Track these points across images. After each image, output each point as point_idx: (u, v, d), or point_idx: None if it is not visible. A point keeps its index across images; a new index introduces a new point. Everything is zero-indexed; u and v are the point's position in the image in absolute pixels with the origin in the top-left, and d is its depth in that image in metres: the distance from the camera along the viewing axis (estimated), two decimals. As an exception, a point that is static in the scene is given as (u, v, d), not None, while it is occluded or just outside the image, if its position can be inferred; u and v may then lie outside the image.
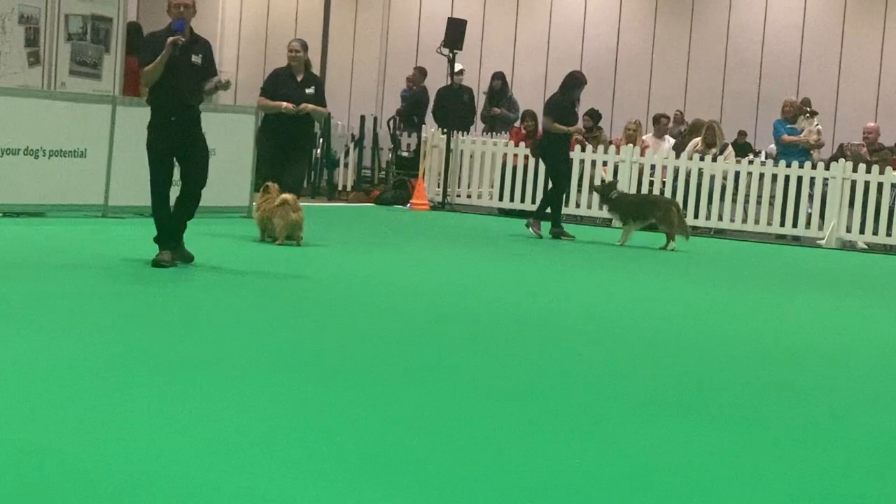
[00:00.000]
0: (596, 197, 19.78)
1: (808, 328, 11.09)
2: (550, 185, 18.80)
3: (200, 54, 11.81)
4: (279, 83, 15.35)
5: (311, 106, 15.25)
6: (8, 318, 8.57)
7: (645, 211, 17.79)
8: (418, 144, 24.16)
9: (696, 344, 9.63)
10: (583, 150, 21.73)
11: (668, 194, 20.93)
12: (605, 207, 18.64)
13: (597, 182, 19.97)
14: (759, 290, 13.67)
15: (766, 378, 8.35)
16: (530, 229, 18.19)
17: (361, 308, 10.25)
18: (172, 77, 11.60)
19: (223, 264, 12.22)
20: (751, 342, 9.82)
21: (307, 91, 15.32)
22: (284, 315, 9.64)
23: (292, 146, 15.25)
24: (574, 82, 18.39)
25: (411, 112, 25.92)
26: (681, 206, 19.30)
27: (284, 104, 15.11)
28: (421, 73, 26.98)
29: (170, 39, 11.52)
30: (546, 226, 18.20)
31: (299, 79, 15.37)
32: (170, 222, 11.74)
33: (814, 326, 11.26)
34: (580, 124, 20.74)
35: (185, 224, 11.90)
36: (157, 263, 11.56)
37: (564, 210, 19.13)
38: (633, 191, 20.55)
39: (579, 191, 21.55)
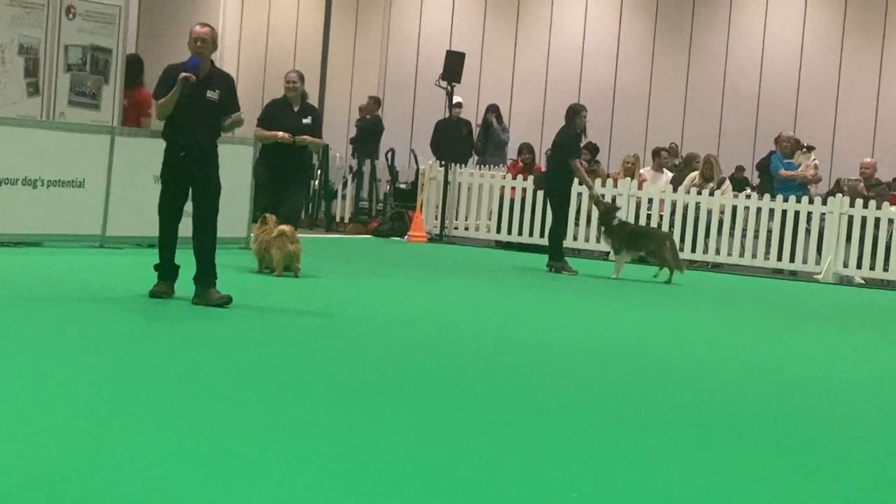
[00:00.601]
0: (592, 225, 19.78)
1: (806, 362, 11.08)
2: (553, 220, 18.72)
3: (218, 90, 11.60)
4: (276, 113, 15.41)
5: (307, 137, 15.29)
6: (13, 349, 8.56)
7: (638, 243, 17.80)
8: (416, 177, 24.18)
9: (692, 376, 9.62)
10: (580, 183, 21.74)
11: (665, 228, 20.95)
12: (601, 230, 18.51)
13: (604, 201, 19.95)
14: (755, 324, 13.66)
15: (762, 410, 8.34)
16: (563, 272, 17.99)
17: (359, 339, 10.24)
18: (184, 113, 11.45)
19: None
20: (747, 375, 9.82)
21: (304, 121, 15.37)
22: (282, 345, 9.63)
23: (289, 177, 15.27)
24: (572, 111, 18.42)
25: (364, 141, 26.01)
26: (676, 240, 19.32)
27: (280, 133, 15.16)
28: (375, 102, 27.06)
29: (181, 75, 11.39)
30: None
31: (296, 109, 15.42)
32: (172, 256, 11.64)
33: (811, 360, 11.25)
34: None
35: (212, 265, 11.52)
36: (154, 294, 11.52)
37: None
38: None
39: (577, 224, 21.50)
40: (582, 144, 19.18)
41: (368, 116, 26.84)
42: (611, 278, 17.47)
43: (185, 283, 11.58)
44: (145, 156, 16.65)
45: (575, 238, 21.52)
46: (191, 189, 11.62)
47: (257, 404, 7.25)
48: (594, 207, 18.88)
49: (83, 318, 10.33)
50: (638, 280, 17.45)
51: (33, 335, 9.27)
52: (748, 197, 21.23)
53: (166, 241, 11.66)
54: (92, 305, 11.07)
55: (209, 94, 11.55)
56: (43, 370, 7.83)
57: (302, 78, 15.69)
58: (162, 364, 8.40)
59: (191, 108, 11.45)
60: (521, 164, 23.09)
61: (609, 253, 19.46)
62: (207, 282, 11.48)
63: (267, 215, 14.75)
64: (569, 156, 18.19)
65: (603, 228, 18.20)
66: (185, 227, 11.66)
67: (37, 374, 7.70)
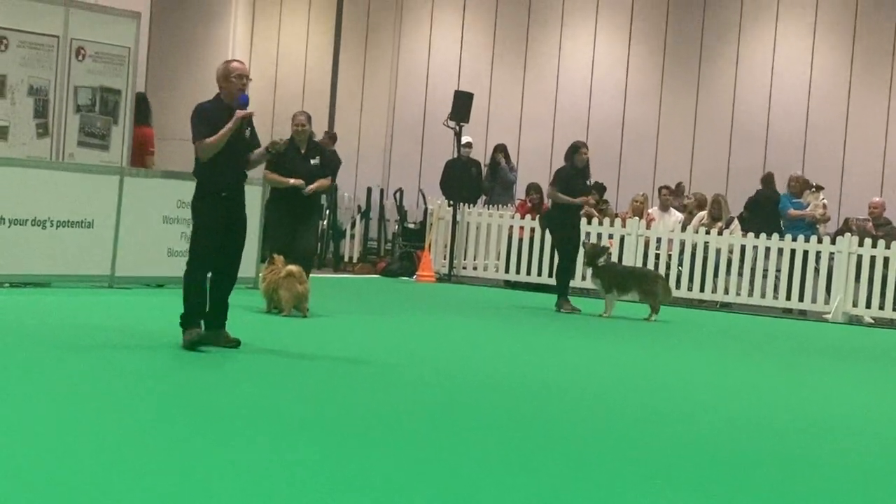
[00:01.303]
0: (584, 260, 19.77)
1: (814, 402, 11.05)
2: (558, 258, 18.74)
3: (248, 127, 11.45)
4: (284, 156, 15.38)
5: (315, 185, 15.25)
6: (26, 393, 8.56)
7: (630, 283, 17.79)
8: (425, 216, 24.20)
9: (700, 417, 9.59)
10: (588, 222, 21.77)
11: (673, 267, 20.94)
12: (590, 272, 18.39)
13: (592, 243, 19.92)
14: (764, 363, 13.63)
15: (772, 451, 8.31)
16: (563, 311, 17.98)
17: (367, 380, 10.22)
18: (227, 151, 11.14)
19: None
20: (757, 416, 9.79)
21: (312, 162, 15.38)
22: (290, 386, 9.62)
23: (301, 218, 15.28)
24: (571, 149, 18.38)
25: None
26: (685, 281, 19.32)
27: (292, 180, 15.14)
28: (331, 138, 26.80)
29: (241, 113, 11.12)
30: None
31: (303, 151, 15.41)
32: (204, 301, 11.25)
33: (819, 400, 11.22)
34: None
35: (227, 306, 11.41)
36: (192, 345, 11.00)
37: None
38: (640, 264, 20.55)
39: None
40: (590, 182, 19.08)
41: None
42: (601, 316, 17.41)
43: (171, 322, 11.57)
44: (154, 196, 16.72)
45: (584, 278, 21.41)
46: (226, 232, 11.24)
47: (268, 447, 7.23)
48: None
49: (96, 360, 10.32)
50: (636, 319, 17.41)
51: (46, 378, 9.26)
52: (757, 236, 21.20)
53: (201, 286, 11.25)
54: (104, 348, 11.06)
55: (245, 132, 11.39)
56: (56, 415, 7.82)
57: (310, 119, 15.70)
58: (174, 407, 8.39)
59: (233, 146, 11.19)
60: (528, 203, 23.10)
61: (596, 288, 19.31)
62: (221, 323, 11.37)
63: (275, 256, 14.77)
64: (551, 185, 18.29)
65: (591, 271, 18.15)
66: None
67: (53, 419, 7.69)
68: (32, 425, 7.40)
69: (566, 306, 17.97)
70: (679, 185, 27.27)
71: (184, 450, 7.03)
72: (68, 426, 7.45)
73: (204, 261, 11.23)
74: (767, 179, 23.23)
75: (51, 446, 6.85)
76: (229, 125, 11.09)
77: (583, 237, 19.45)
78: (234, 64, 11.50)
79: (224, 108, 11.26)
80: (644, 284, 17.80)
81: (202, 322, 11.23)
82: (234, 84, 11.24)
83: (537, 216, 21.89)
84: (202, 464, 6.70)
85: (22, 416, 7.67)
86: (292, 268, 14.30)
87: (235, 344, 11.28)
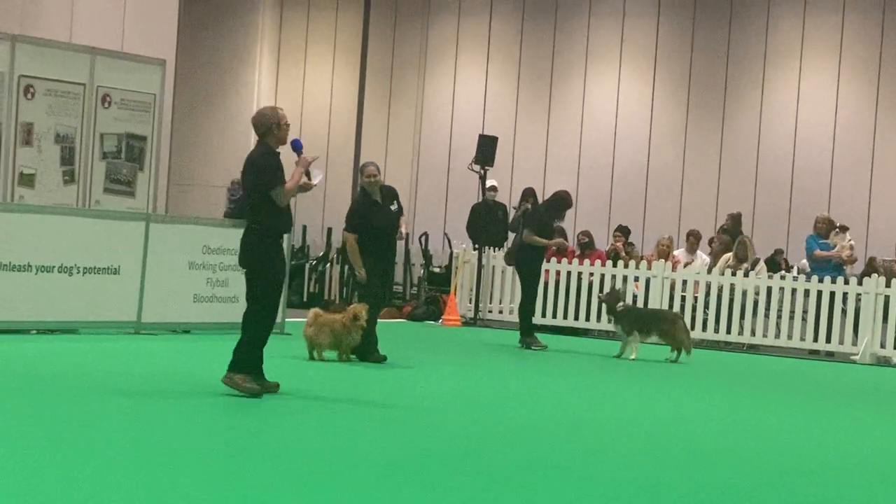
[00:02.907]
0: (599, 307, 19.87)
1: (842, 445, 10.99)
2: (522, 296, 18.96)
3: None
4: (368, 214, 15.07)
5: (403, 228, 15.47)
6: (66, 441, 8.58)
7: (650, 325, 17.84)
8: (450, 260, 24.20)
9: (726, 460, 9.55)
10: (614, 265, 21.75)
11: (700, 309, 20.89)
12: (611, 319, 18.50)
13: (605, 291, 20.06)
14: (791, 406, 13.57)
15: (797, 494, 8.27)
16: (532, 348, 18.13)
17: (394, 425, 10.23)
18: None
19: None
20: (783, 459, 9.74)
21: (392, 209, 15.22)
22: (321, 432, 9.63)
23: (389, 263, 15.61)
24: (562, 204, 18.79)
25: (240, 215, 25.70)
26: (711, 322, 19.28)
27: (360, 274, 15.02)
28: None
29: (309, 158, 11.50)
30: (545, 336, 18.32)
31: (380, 200, 15.18)
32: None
33: (846, 443, 11.16)
34: (614, 242, 20.78)
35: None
36: (257, 394, 11.14)
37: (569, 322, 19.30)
38: (666, 306, 20.50)
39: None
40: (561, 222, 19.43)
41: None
42: (629, 359, 17.40)
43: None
44: (180, 242, 16.78)
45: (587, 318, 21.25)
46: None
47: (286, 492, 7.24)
48: (627, 294, 19.01)
49: (131, 409, 10.34)
50: (660, 361, 17.37)
51: (82, 426, 9.28)
52: (782, 278, 21.14)
53: (268, 333, 11.51)
54: (139, 396, 11.08)
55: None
56: (89, 463, 7.83)
57: (379, 169, 15.48)
58: (209, 455, 8.40)
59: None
60: (554, 247, 23.04)
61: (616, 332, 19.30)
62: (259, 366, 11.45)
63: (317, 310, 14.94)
64: (526, 227, 18.78)
65: (611, 318, 18.26)
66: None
67: (86, 469, 7.70)
68: (82, 471, 7.41)
69: (535, 343, 18.23)
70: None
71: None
72: (89, 478, 7.46)
73: (275, 305, 11.54)
74: (735, 218, 23.88)
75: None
76: (299, 169, 11.48)
77: (607, 281, 19.47)
78: (282, 112, 11.73)
79: (276, 154, 11.53)
80: (663, 325, 17.82)
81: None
82: (284, 131, 11.51)
83: (563, 259, 21.88)
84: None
85: (65, 463, 7.69)
86: (362, 310, 14.33)
87: (272, 389, 11.38)
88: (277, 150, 11.49)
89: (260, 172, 11.36)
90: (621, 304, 18.00)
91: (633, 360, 17.42)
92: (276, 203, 11.32)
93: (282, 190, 11.31)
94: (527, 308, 18.74)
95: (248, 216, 11.54)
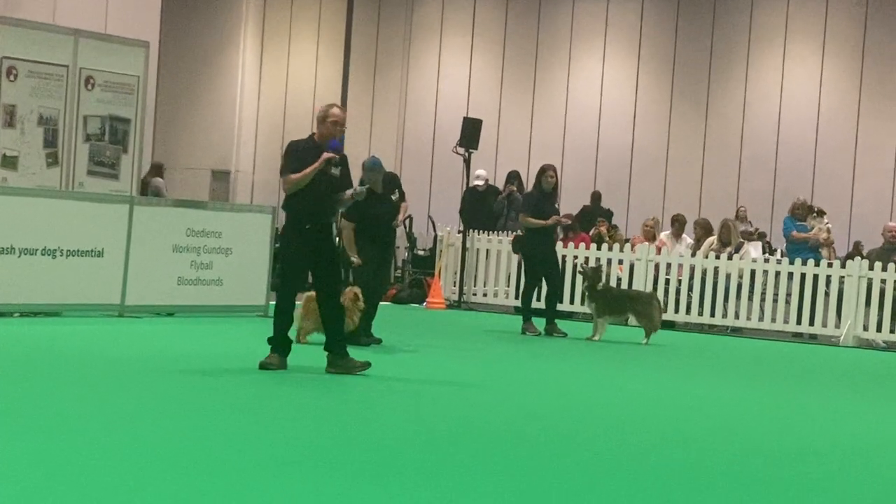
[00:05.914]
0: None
1: (825, 426, 11.02)
2: (525, 281, 18.74)
3: (339, 167, 12.02)
4: (363, 204, 15.13)
5: (402, 215, 15.88)
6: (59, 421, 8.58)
7: (624, 306, 17.84)
8: (434, 243, 24.20)
9: (711, 442, 9.58)
10: (598, 248, 21.76)
11: (683, 292, 20.93)
12: (586, 294, 18.40)
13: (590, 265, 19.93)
14: (774, 388, 13.60)
15: (781, 476, 8.30)
16: (525, 333, 17.97)
17: (373, 408, 10.24)
18: (312, 187, 11.80)
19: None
20: (765, 441, 9.77)
21: (393, 198, 15.56)
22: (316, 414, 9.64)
23: (387, 250, 15.76)
24: (538, 171, 18.57)
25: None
26: (695, 305, 19.31)
27: (356, 260, 15.16)
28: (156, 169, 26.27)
29: (326, 156, 11.77)
30: (540, 322, 18.10)
31: (379, 191, 15.26)
32: (288, 329, 11.91)
33: (830, 424, 11.19)
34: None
35: (342, 333, 12.03)
36: (265, 366, 11.65)
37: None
38: (650, 289, 20.51)
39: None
40: (558, 205, 19.25)
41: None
42: (589, 339, 17.34)
43: (239, 354, 11.58)
44: (164, 225, 16.76)
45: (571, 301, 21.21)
46: (311, 262, 11.93)
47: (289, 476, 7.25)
48: (612, 276, 18.91)
49: (115, 391, 10.33)
50: (633, 343, 17.38)
51: (65, 409, 9.27)
52: (766, 261, 21.18)
53: (287, 314, 11.96)
54: (124, 379, 11.08)
55: (333, 170, 11.95)
56: (73, 447, 7.83)
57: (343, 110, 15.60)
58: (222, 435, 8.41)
59: (318, 183, 11.81)
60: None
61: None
62: (342, 350, 11.89)
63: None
64: (520, 212, 18.62)
65: (587, 292, 18.13)
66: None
67: (112, 456, 7.70)
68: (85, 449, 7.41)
69: (532, 329, 17.97)
70: (740, 209, 27.43)
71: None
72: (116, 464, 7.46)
73: (289, 289, 12.05)
74: (595, 196, 24.69)
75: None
76: (315, 164, 11.77)
77: (591, 263, 19.43)
78: (335, 110, 12.15)
79: (314, 147, 11.94)
80: (638, 305, 17.83)
81: (284, 349, 11.83)
82: (328, 128, 11.95)
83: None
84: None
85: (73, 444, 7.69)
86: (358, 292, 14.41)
87: (363, 367, 11.84)
88: (318, 143, 11.91)
89: (282, 157, 12.01)
90: (601, 284, 18.00)
91: (597, 340, 17.37)
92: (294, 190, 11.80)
93: (286, 178, 11.84)
94: (526, 293, 18.48)
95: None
